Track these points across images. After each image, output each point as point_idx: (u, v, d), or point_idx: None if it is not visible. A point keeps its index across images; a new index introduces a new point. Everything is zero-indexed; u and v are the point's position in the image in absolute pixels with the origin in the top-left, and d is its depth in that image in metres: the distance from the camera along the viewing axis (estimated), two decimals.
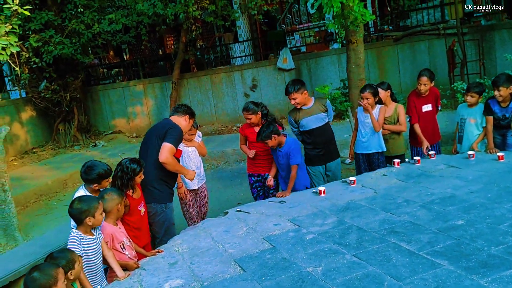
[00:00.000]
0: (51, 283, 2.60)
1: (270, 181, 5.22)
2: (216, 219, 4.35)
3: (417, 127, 5.74)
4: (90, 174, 3.95)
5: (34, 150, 13.02)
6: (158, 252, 3.68)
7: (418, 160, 5.09)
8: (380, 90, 5.56)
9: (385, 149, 5.56)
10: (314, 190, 4.68)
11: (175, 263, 3.43)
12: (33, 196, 8.95)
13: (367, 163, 5.63)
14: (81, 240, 3.29)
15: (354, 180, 4.71)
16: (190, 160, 5.36)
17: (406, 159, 5.31)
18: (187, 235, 3.98)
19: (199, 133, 5.57)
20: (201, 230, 4.06)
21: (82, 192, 3.95)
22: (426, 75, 5.67)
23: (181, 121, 4.70)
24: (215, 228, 4.02)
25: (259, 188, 5.70)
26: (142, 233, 4.28)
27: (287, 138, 5.08)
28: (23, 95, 13.90)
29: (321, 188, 4.55)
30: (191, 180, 4.82)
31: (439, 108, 5.98)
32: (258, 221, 4.05)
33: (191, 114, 4.81)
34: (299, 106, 5.37)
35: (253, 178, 5.72)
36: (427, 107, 5.77)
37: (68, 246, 3.24)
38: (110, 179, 4.07)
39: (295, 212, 4.16)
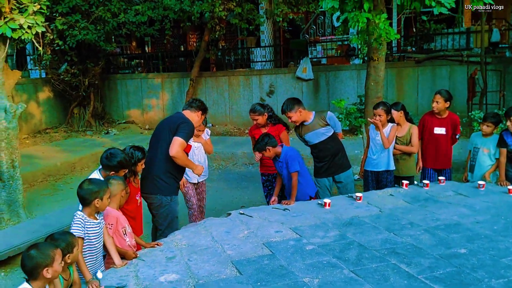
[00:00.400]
0: (47, 263, 2.61)
1: (274, 201, 5.19)
2: (218, 219, 4.35)
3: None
4: (112, 160, 3.99)
5: (47, 131, 13.15)
6: (157, 244, 3.69)
7: (427, 184, 5.05)
8: (393, 110, 5.54)
9: (394, 168, 5.53)
10: (319, 202, 4.66)
11: (173, 257, 3.43)
12: (41, 175, 9.03)
13: (375, 181, 5.60)
14: (86, 222, 3.31)
15: (361, 197, 4.68)
16: (195, 155, 5.47)
17: (415, 182, 5.27)
18: (187, 232, 3.99)
19: (207, 130, 5.69)
20: (202, 228, 4.07)
21: (96, 175, 3.99)
22: (441, 93, 5.65)
23: (194, 116, 4.73)
24: (216, 228, 4.02)
25: (269, 187, 5.78)
26: (137, 223, 4.33)
27: (283, 148, 5.11)
28: (43, 75, 14.06)
29: (327, 200, 4.53)
30: (199, 175, 4.86)
31: (457, 137, 5.86)
32: (260, 226, 4.05)
33: (204, 110, 4.86)
34: (297, 124, 5.44)
35: (263, 177, 5.86)
36: (440, 130, 5.70)
37: (72, 228, 3.26)
38: (127, 170, 4.12)
39: (298, 221, 4.14)
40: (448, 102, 5.66)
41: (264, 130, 5.62)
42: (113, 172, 3.99)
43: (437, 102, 5.63)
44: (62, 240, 2.92)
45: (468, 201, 4.56)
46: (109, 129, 13.40)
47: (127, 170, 4.13)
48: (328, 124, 5.41)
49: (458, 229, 3.80)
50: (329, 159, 5.47)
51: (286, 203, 4.69)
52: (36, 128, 13.08)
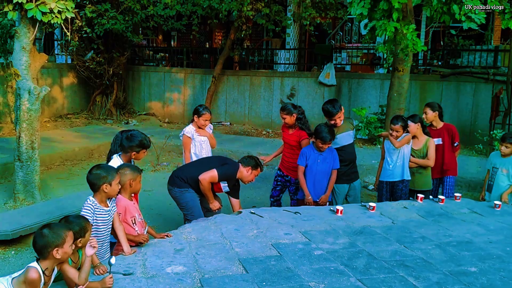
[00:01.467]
0: (58, 243, 2.64)
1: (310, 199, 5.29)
2: (229, 216, 4.36)
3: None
4: (133, 140, 4.09)
5: (68, 116, 13.34)
6: (167, 235, 3.71)
7: (442, 200, 4.98)
8: (410, 123, 5.48)
9: (409, 178, 5.49)
10: (331, 208, 4.64)
11: (181, 250, 3.45)
12: (58, 159, 9.15)
13: (389, 192, 5.55)
14: (95, 209, 3.34)
15: (374, 207, 4.64)
16: (202, 149, 5.69)
17: (430, 197, 5.20)
18: (197, 226, 4.01)
19: (210, 125, 5.91)
20: (212, 223, 4.08)
21: (116, 159, 4.07)
22: (429, 105, 5.92)
23: (243, 171, 5.02)
24: (226, 225, 4.03)
25: (279, 183, 5.85)
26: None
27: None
28: (69, 61, 14.27)
29: (339, 207, 4.51)
30: (213, 210, 5.06)
31: (456, 144, 5.96)
32: (269, 226, 4.04)
33: (254, 166, 5.07)
34: (339, 124, 5.44)
35: (279, 172, 5.89)
36: (436, 141, 5.74)
37: (82, 212, 3.29)
38: (146, 151, 4.24)
39: (309, 225, 4.13)
40: (437, 112, 5.84)
41: (290, 132, 5.66)
42: (134, 153, 4.08)
43: (425, 113, 5.87)
44: (76, 223, 2.96)
45: (483, 220, 4.49)
46: (129, 120, 13.53)
47: (146, 152, 4.21)
48: (353, 128, 5.59)
49: (470, 247, 3.74)
50: (352, 164, 5.55)
51: (323, 200, 5.13)
52: (58, 112, 13.28)
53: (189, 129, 5.70)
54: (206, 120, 5.65)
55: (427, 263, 3.39)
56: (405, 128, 5.38)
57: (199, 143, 5.68)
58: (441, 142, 5.81)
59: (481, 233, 4.10)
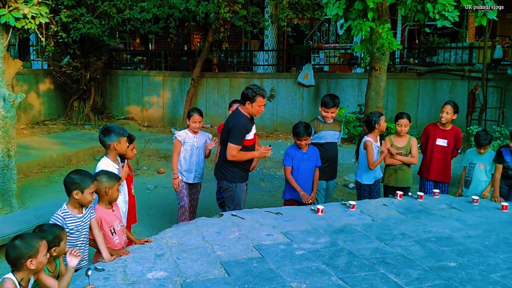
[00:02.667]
0: (31, 254, 2.59)
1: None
2: (210, 219, 4.34)
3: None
4: (108, 132, 4.01)
5: (45, 122, 13.12)
6: (147, 241, 3.67)
7: (421, 196, 5.04)
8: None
9: (381, 175, 5.67)
10: (312, 208, 4.65)
11: (162, 255, 3.42)
12: (36, 166, 9.00)
13: (367, 191, 5.62)
14: (65, 217, 3.29)
15: (354, 205, 4.68)
16: (193, 154, 5.58)
17: (409, 193, 5.26)
18: (178, 230, 3.98)
19: (209, 135, 5.80)
20: (193, 227, 4.05)
21: (105, 161, 4.00)
22: (451, 104, 5.69)
23: (246, 109, 4.92)
24: (208, 228, 4.01)
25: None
26: (130, 211, 4.41)
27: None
28: (45, 67, 14.04)
29: (320, 206, 4.53)
30: (262, 157, 5.12)
31: (459, 151, 5.91)
32: (251, 228, 4.04)
33: (251, 98, 4.92)
34: (330, 120, 5.57)
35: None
36: (442, 142, 5.71)
37: (51, 220, 3.25)
38: (134, 145, 4.24)
39: (290, 226, 4.13)
40: (456, 115, 5.71)
41: None
42: (116, 145, 3.98)
43: (447, 112, 5.66)
44: (50, 232, 2.90)
45: (461, 215, 4.55)
46: (108, 124, 13.38)
47: (129, 144, 4.17)
48: (340, 131, 5.71)
49: (449, 242, 3.79)
50: (329, 163, 5.60)
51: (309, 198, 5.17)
52: (34, 119, 13.05)
53: (182, 133, 5.60)
54: (195, 122, 5.51)
55: (407, 259, 3.42)
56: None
57: (190, 148, 5.54)
58: (446, 145, 5.73)
59: (460, 228, 4.16)
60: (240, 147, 4.83)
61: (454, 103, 5.77)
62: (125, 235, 3.79)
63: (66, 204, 3.34)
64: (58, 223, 3.21)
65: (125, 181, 4.24)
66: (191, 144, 5.55)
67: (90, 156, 10.03)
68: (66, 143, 10.60)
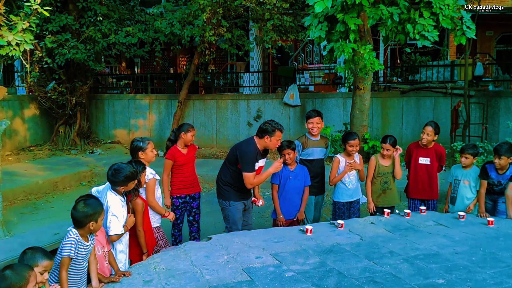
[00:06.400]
0: (21, 285, 2.57)
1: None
2: (199, 243, 4.32)
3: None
4: (117, 177, 3.98)
5: (31, 148, 13.02)
6: (124, 275, 3.49)
7: (408, 213, 5.08)
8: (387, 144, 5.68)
9: (360, 196, 5.81)
10: (301, 228, 4.66)
11: (150, 281, 3.39)
12: (22, 193, 8.89)
13: (342, 210, 5.71)
14: (78, 243, 3.27)
15: (342, 224, 4.69)
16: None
17: (397, 211, 5.30)
18: (166, 255, 3.95)
19: (155, 175, 4.88)
20: (181, 252, 4.03)
21: (110, 195, 4.00)
22: (432, 126, 5.70)
23: (263, 142, 5.03)
24: (196, 252, 3.99)
25: (182, 209, 5.85)
26: (147, 236, 4.44)
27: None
28: (30, 92, 13.98)
29: (308, 227, 4.54)
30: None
31: (443, 168, 5.98)
32: (240, 251, 4.02)
33: (270, 132, 5.01)
34: (316, 132, 5.68)
35: (179, 200, 5.81)
36: (424, 160, 5.76)
37: (63, 245, 3.22)
38: (136, 181, 4.17)
39: (279, 247, 4.13)
40: (437, 135, 5.74)
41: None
42: (122, 187, 4.00)
43: (427, 134, 5.67)
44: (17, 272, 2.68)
45: (448, 231, 4.59)
46: (94, 149, 13.30)
47: (136, 181, 4.15)
48: (327, 148, 5.85)
49: (437, 259, 3.82)
50: (320, 178, 5.78)
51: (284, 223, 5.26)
52: (20, 145, 12.95)
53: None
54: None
55: (396, 278, 3.44)
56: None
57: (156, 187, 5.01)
58: (428, 163, 5.77)
59: (447, 244, 4.19)
60: (255, 173, 4.98)
61: (436, 123, 5.80)
62: (107, 261, 3.76)
63: (75, 230, 3.30)
64: (72, 247, 3.19)
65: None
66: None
67: (76, 181, 9.94)
68: (52, 169, 10.51)
